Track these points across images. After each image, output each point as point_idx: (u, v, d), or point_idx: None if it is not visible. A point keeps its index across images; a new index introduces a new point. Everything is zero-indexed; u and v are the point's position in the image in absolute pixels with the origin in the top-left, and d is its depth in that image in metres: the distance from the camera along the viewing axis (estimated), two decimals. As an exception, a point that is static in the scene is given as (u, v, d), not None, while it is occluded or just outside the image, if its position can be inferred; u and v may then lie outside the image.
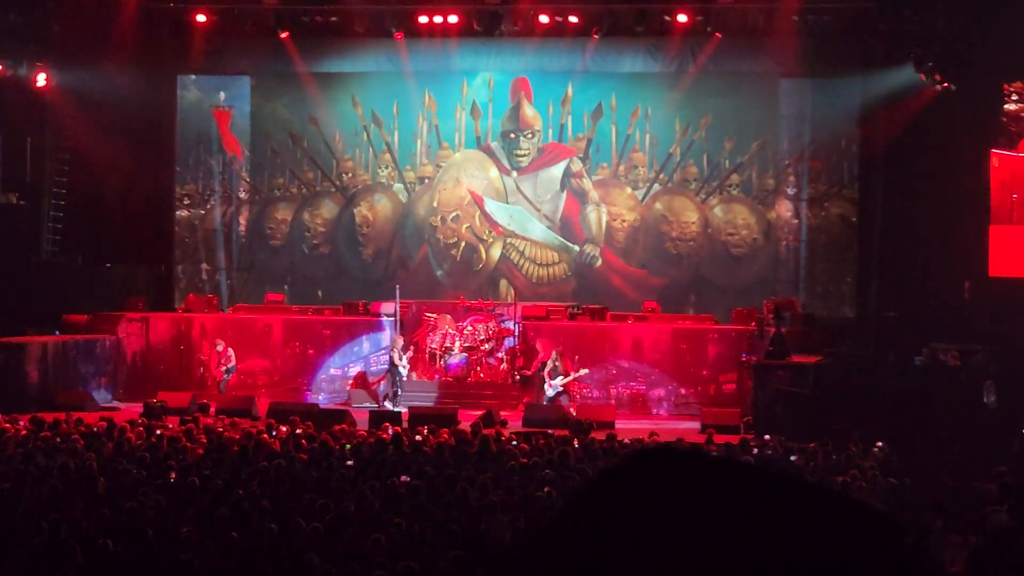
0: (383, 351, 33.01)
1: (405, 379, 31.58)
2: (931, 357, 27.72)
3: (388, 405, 30.63)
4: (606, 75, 37.47)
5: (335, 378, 33.19)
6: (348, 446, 20.60)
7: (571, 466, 18.38)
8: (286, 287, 38.16)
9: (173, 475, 16.93)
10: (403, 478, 17.12)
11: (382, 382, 32.26)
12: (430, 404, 30.32)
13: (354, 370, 33.22)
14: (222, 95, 38.99)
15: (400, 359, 31.46)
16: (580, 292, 36.74)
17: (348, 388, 32.45)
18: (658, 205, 37.52)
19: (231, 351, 32.17)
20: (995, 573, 13.12)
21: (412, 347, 32.36)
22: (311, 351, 33.49)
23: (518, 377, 31.82)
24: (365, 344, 33.40)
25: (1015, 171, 30.66)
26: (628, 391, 32.03)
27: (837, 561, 1.50)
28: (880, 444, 21.83)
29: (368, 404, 30.60)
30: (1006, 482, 16.44)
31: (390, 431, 22.93)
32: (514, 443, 21.57)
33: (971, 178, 31.70)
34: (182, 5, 36.50)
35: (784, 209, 37.29)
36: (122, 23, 35.74)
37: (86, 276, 36.34)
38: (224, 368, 32.01)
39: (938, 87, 32.81)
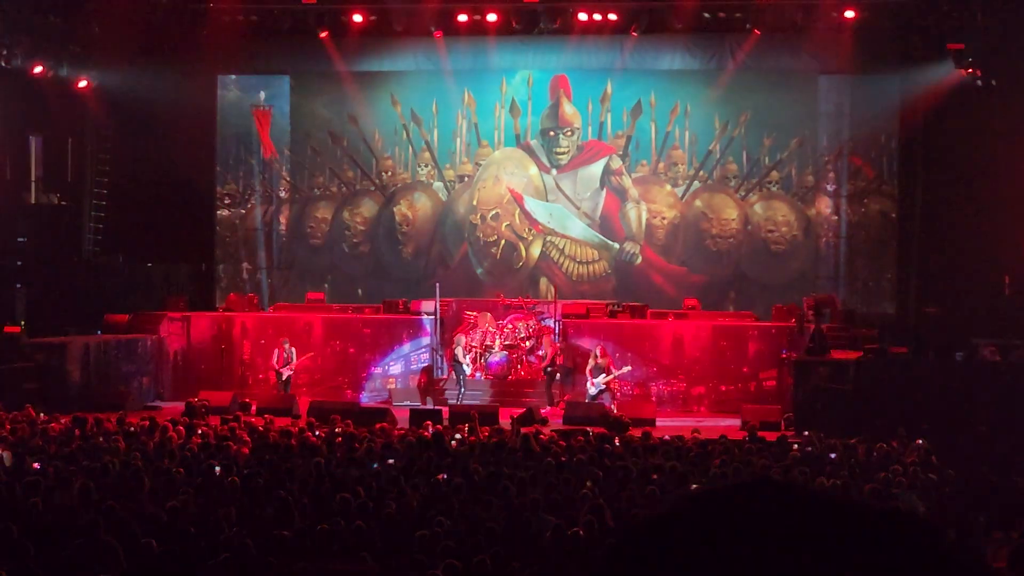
0: (423, 349, 33.11)
1: (468, 377, 31.65)
2: (972, 352, 27.61)
3: (451, 400, 30.75)
4: (645, 72, 37.43)
5: (375, 376, 33.23)
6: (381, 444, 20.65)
7: (610, 464, 18.38)
8: (326, 286, 38.27)
9: (218, 471, 17.02)
10: (442, 476, 17.17)
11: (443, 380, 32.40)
12: (486, 402, 30.35)
13: (395, 368, 33.29)
14: (262, 95, 39.12)
15: (463, 357, 31.51)
16: (620, 290, 36.67)
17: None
18: (698, 202, 37.49)
19: (294, 350, 31.96)
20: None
21: (455, 344, 32.33)
22: (352, 350, 33.52)
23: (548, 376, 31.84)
24: (405, 343, 33.45)
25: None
26: (668, 388, 31.98)
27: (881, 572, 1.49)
28: (921, 440, 21.77)
29: (409, 402, 30.64)
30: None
31: (430, 429, 23.02)
32: (554, 441, 21.60)
33: (1012, 173, 31.58)
34: (221, 5, 36.55)
35: (824, 205, 37.21)
36: (162, 24, 35.88)
37: (127, 275, 36.58)
38: (290, 368, 31.83)
39: (978, 82, 32.68)
